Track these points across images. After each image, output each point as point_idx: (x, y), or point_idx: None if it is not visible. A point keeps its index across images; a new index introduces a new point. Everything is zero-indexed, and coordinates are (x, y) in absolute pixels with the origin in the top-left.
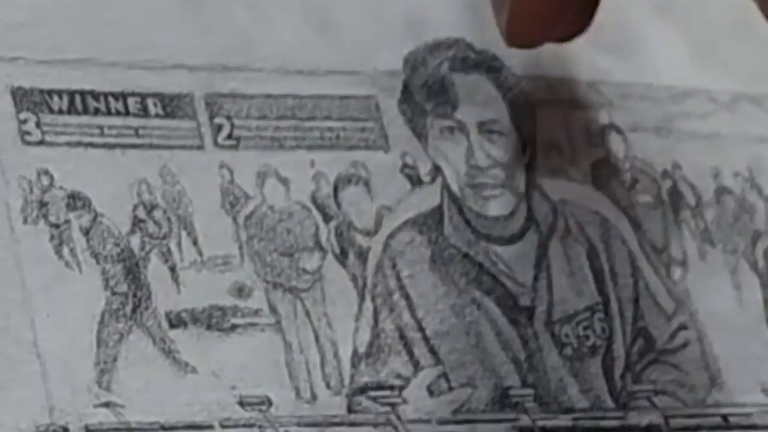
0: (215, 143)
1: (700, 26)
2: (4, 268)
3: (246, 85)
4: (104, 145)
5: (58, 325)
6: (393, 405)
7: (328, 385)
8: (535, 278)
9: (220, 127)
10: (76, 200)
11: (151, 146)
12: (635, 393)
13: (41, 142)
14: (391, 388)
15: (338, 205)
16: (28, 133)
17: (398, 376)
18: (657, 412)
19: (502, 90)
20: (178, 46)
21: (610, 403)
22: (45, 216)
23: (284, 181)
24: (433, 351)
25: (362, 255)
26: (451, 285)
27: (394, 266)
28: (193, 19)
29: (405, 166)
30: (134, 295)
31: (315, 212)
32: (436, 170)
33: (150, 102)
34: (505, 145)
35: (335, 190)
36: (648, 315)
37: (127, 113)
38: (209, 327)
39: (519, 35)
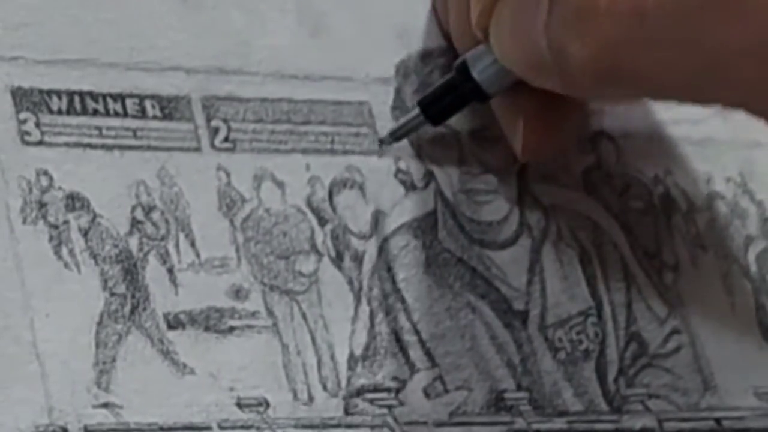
0: (212, 146)
1: None
2: (3, 268)
3: (242, 89)
4: (103, 146)
5: (57, 326)
6: (389, 407)
7: (324, 387)
8: (529, 282)
9: (216, 130)
10: (74, 201)
11: (149, 148)
12: (629, 397)
13: (40, 143)
14: (388, 390)
15: (333, 208)
16: (27, 133)
17: (394, 378)
18: (651, 415)
19: None
20: (176, 48)
21: (604, 406)
22: (44, 216)
23: (280, 185)
24: (428, 354)
25: (358, 258)
26: (446, 288)
27: (389, 270)
28: (191, 22)
29: (399, 171)
30: (133, 296)
31: (310, 216)
32: (430, 175)
33: (148, 104)
34: (496, 151)
35: (330, 193)
36: (641, 319)
37: (125, 114)
38: (207, 328)
39: (534, 154)
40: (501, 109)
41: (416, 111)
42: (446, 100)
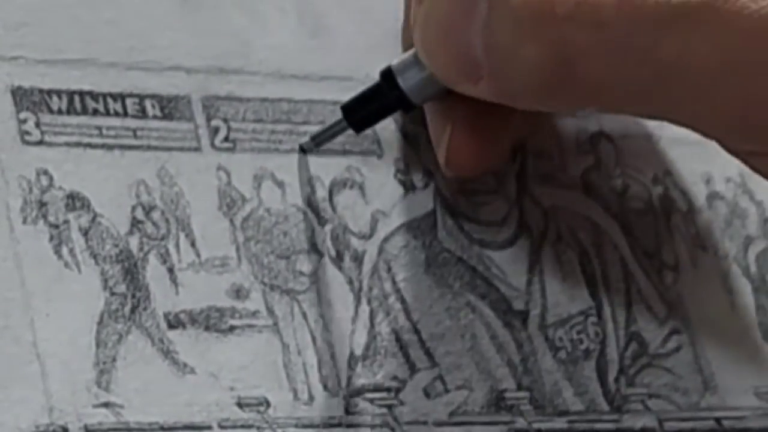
0: (212, 145)
1: None
2: (3, 268)
3: (242, 88)
4: (103, 146)
5: (57, 325)
6: (390, 407)
7: (325, 387)
8: (529, 283)
9: (217, 130)
10: (75, 200)
11: (149, 147)
12: (629, 396)
13: (41, 142)
14: (388, 390)
15: (333, 208)
16: (27, 132)
17: (395, 378)
18: (651, 415)
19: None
20: (176, 48)
21: (604, 406)
22: (44, 216)
23: (280, 184)
24: (428, 353)
25: (358, 258)
26: (446, 288)
27: (389, 270)
28: (191, 22)
29: (398, 171)
30: (133, 296)
31: (311, 215)
32: (429, 176)
33: (148, 103)
34: None
35: (330, 194)
36: (641, 319)
37: (125, 114)
38: (207, 328)
39: (458, 168)
40: (430, 116)
41: (339, 116)
42: (370, 107)
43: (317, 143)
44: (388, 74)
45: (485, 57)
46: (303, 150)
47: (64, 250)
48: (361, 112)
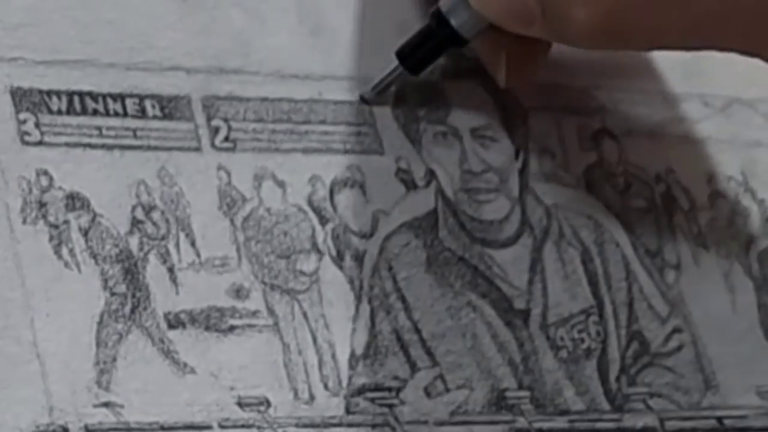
0: (212, 145)
1: None
2: (3, 268)
3: (242, 88)
4: (103, 146)
5: (57, 325)
6: (390, 406)
7: (326, 387)
8: (530, 281)
9: (217, 130)
10: (75, 201)
11: (149, 147)
12: (630, 395)
13: (40, 143)
14: (389, 389)
15: (334, 208)
16: (27, 133)
17: (395, 377)
18: (652, 414)
19: (494, 95)
20: (176, 48)
21: (605, 405)
22: (44, 216)
23: (281, 184)
24: (429, 353)
25: (358, 257)
26: (447, 287)
27: (390, 269)
28: (191, 22)
29: (399, 170)
30: (133, 296)
31: (311, 215)
32: (431, 174)
33: (148, 103)
34: (497, 150)
35: (331, 193)
36: (642, 318)
37: (125, 114)
38: (208, 328)
39: (515, 82)
40: (482, 46)
41: (395, 63)
42: (424, 49)
43: (377, 92)
44: (438, 15)
45: (538, 8)
46: (364, 100)
47: (64, 250)
48: (415, 55)
